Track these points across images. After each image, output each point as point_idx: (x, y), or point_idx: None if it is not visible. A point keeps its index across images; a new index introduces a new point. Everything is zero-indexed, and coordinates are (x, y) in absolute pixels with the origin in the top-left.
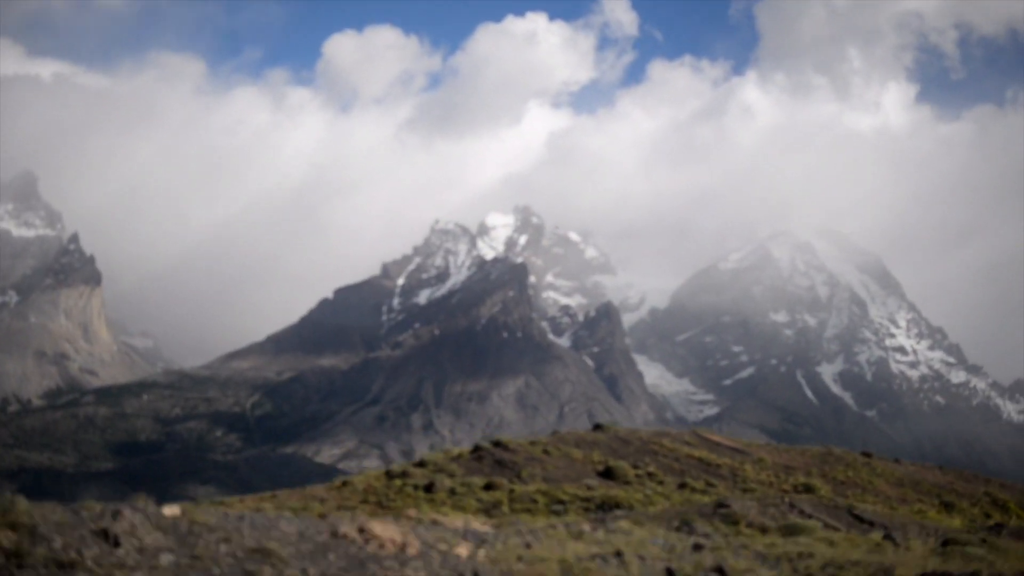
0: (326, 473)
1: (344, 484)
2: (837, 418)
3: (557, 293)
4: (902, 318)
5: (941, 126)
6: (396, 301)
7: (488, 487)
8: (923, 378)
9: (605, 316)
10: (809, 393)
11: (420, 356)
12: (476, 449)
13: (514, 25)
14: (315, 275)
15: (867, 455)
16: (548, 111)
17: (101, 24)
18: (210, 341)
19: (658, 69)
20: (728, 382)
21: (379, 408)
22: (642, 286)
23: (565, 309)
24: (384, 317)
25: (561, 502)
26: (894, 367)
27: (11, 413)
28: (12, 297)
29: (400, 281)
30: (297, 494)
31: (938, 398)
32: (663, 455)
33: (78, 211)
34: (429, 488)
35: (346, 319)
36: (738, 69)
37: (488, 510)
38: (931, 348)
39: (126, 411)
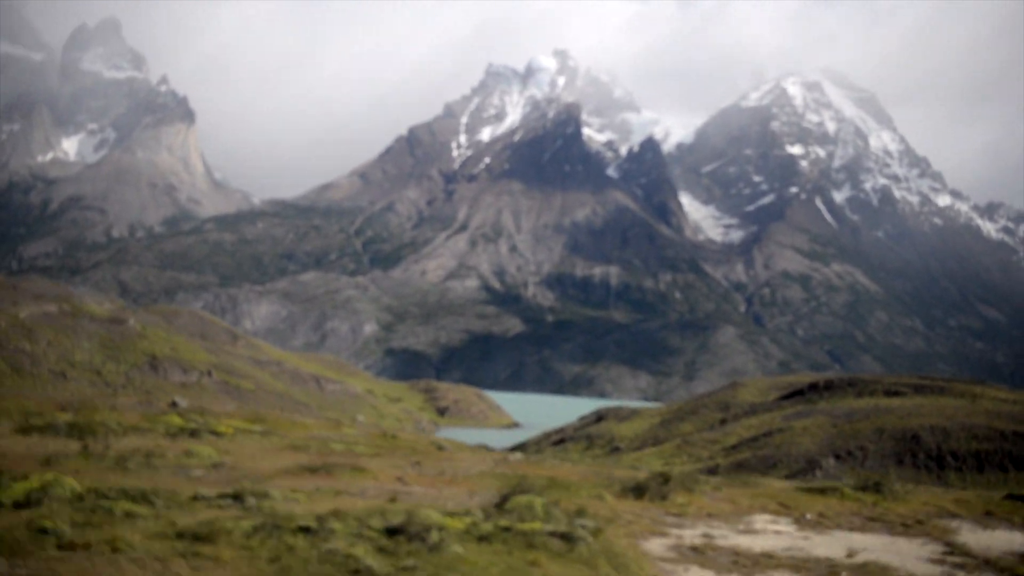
0: (440, 292)
1: None
2: (855, 239)
3: (590, 130)
4: (895, 149)
5: None
6: (463, 138)
7: None
8: (922, 201)
9: (649, 149)
10: (829, 217)
11: (495, 188)
12: None
13: None
14: (381, 110)
15: None
16: None
17: None
18: (277, 173)
19: None
20: (751, 208)
21: (468, 234)
22: (665, 123)
23: (608, 144)
24: (455, 153)
25: None
26: (897, 193)
27: (140, 239)
28: (110, 133)
29: (464, 120)
30: None
31: (936, 220)
32: None
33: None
34: None
35: (422, 154)
36: None
37: None
38: (920, 176)
39: (247, 237)
